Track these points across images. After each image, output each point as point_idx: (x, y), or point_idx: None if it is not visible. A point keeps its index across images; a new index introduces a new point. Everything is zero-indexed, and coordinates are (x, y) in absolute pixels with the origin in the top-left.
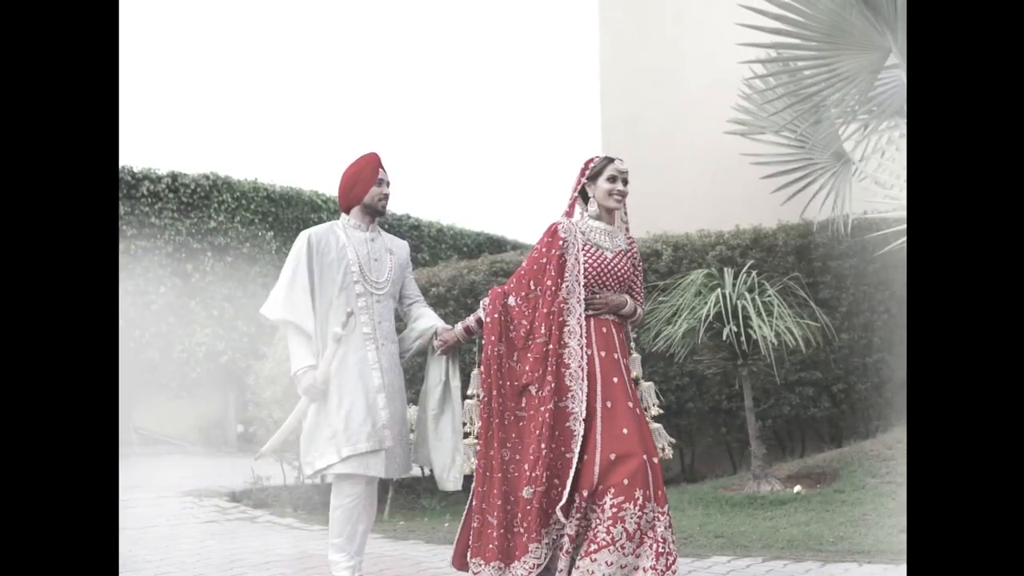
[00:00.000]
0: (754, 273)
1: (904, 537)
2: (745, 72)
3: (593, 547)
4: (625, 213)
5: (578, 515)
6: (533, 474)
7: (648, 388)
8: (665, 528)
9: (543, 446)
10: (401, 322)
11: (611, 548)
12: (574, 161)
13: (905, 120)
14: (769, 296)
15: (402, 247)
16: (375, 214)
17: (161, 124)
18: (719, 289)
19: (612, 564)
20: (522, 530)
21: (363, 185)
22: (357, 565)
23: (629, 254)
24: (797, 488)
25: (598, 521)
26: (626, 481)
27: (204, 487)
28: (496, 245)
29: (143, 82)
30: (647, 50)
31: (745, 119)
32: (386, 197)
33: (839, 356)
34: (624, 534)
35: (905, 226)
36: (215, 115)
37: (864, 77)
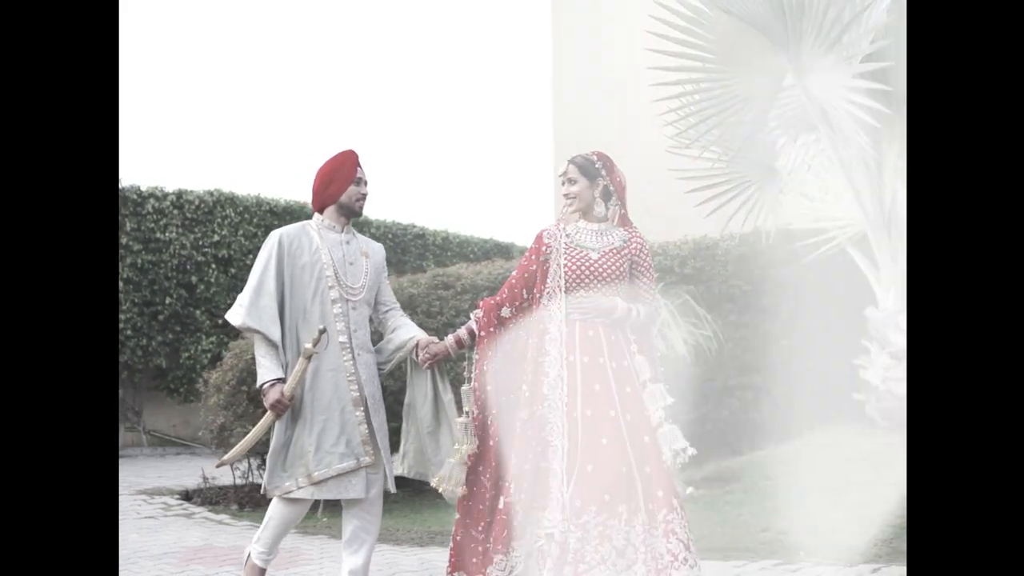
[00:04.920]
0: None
1: (766, 535)
2: (675, 89)
3: (582, 567)
4: (623, 207)
5: (561, 528)
6: (504, 484)
7: (654, 391)
8: (663, 538)
9: (512, 455)
10: (376, 331)
11: (601, 568)
12: (534, 168)
13: (825, 135)
14: (667, 308)
15: (378, 250)
16: (351, 215)
17: (167, 145)
18: None
19: None
20: (490, 541)
21: (340, 183)
22: (269, 560)
23: (625, 251)
24: (689, 489)
25: (584, 540)
26: (607, 497)
27: (163, 486)
28: (504, 252)
29: (150, 106)
30: (599, 64)
31: (674, 134)
32: (364, 197)
33: (780, 360)
34: (613, 552)
35: (826, 236)
36: (220, 133)
37: (762, 97)
